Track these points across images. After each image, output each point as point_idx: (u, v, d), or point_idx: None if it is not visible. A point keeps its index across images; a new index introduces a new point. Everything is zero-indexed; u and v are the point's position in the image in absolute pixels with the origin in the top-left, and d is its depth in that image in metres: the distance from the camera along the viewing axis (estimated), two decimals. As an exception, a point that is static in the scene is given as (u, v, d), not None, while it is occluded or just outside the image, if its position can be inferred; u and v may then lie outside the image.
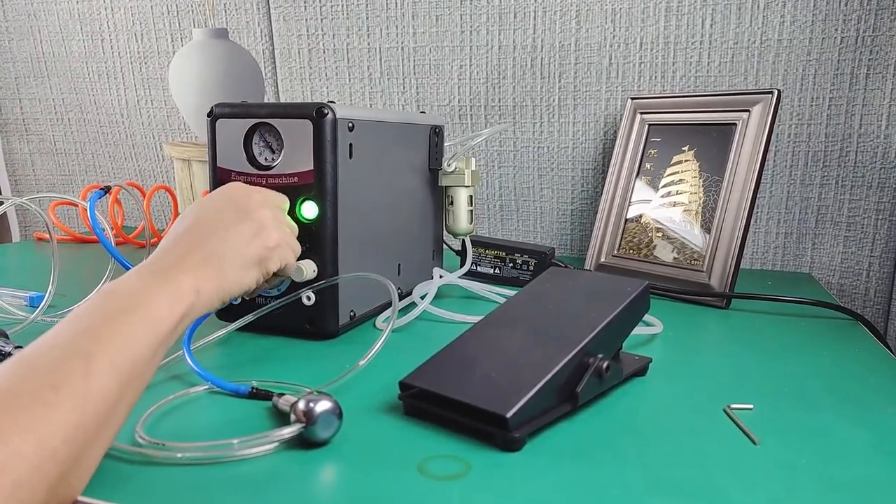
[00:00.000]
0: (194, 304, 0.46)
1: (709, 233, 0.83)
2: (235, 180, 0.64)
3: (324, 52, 1.14)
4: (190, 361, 0.54)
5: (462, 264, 0.81)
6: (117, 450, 0.42)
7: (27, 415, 0.33)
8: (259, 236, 0.54)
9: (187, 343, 0.56)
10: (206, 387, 0.53)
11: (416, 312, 0.69)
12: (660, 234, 0.87)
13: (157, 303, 0.43)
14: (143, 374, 0.40)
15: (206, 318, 0.64)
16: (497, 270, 0.88)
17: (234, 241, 0.52)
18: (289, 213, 0.62)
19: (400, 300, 0.72)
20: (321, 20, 1.13)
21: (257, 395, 0.51)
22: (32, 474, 0.32)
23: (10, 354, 0.55)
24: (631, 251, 0.90)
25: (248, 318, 0.62)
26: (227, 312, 0.67)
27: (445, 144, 0.82)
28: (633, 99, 0.96)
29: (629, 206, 0.91)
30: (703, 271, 0.82)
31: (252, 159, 0.64)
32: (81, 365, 0.37)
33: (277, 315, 0.63)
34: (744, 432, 0.47)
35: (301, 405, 0.44)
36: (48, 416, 0.34)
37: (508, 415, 0.43)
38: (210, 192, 0.66)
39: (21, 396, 0.34)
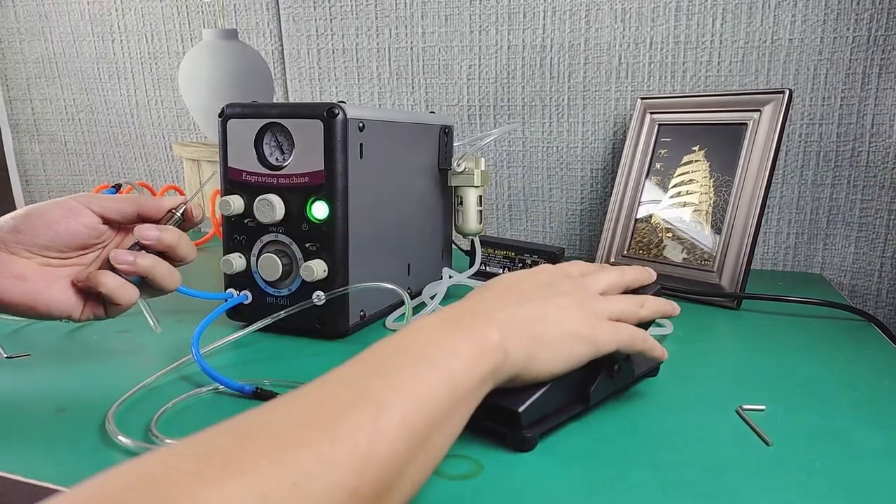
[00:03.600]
0: (500, 365, 0.40)
1: (719, 233, 0.82)
2: (246, 180, 0.64)
3: (333, 53, 1.14)
4: (198, 360, 0.54)
5: (471, 264, 0.81)
6: (135, 448, 0.43)
7: (293, 470, 0.27)
8: (591, 310, 0.46)
9: (196, 341, 0.56)
10: (214, 387, 0.53)
11: (425, 312, 0.69)
12: (670, 235, 0.87)
13: (459, 357, 0.37)
14: (435, 440, 0.34)
15: (215, 316, 0.64)
16: (506, 271, 0.88)
17: (559, 309, 0.45)
18: (299, 213, 0.63)
19: (410, 300, 0.72)
20: (330, 20, 1.13)
21: (261, 395, 0.51)
22: None
23: None
24: (640, 251, 0.89)
25: (267, 320, 0.62)
26: (238, 312, 0.67)
27: (455, 144, 0.82)
28: (642, 99, 0.95)
29: (639, 206, 0.91)
30: (713, 272, 0.81)
31: (263, 159, 0.64)
32: (371, 418, 0.31)
33: (288, 315, 0.63)
34: (756, 433, 0.47)
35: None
36: (319, 477, 0.28)
37: (521, 409, 0.43)
38: (221, 191, 0.66)
39: (291, 443, 0.28)
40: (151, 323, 0.64)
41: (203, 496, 0.25)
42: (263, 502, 0.26)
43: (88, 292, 0.51)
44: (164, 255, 0.52)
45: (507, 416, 0.44)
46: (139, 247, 0.52)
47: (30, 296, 0.49)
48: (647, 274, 0.54)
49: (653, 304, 0.51)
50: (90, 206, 0.51)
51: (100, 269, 0.51)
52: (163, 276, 0.52)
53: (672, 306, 0.53)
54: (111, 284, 0.50)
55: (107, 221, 0.52)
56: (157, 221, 0.53)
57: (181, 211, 0.54)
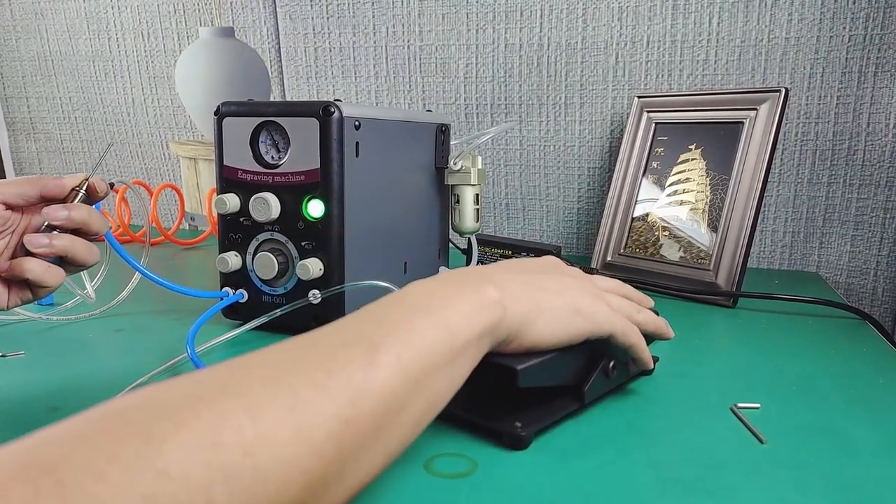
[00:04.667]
0: (498, 322, 0.39)
1: (716, 231, 0.82)
2: (242, 179, 0.64)
3: (330, 51, 1.14)
4: (192, 358, 0.54)
5: (468, 263, 0.81)
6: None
7: (288, 394, 0.28)
8: (592, 292, 0.46)
9: (191, 339, 0.56)
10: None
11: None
12: (666, 233, 0.87)
13: (456, 308, 0.37)
14: (433, 386, 0.34)
15: (211, 315, 0.64)
16: (503, 269, 0.88)
17: (560, 284, 0.45)
18: (295, 212, 0.63)
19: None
20: (327, 19, 1.13)
21: None
22: (283, 466, 0.27)
23: None
24: (637, 250, 0.89)
25: (262, 319, 0.62)
26: (234, 311, 0.67)
27: (452, 143, 0.82)
28: (639, 97, 0.95)
29: (636, 204, 0.91)
30: (709, 270, 0.82)
31: (258, 158, 0.64)
32: (365, 353, 0.32)
33: (284, 314, 0.63)
34: (751, 431, 0.47)
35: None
36: (313, 402, 0.29)
37: (519, 367, 0.42)
38: (217, 189, 0.66)
39: (286, 373, 0.29)
40: (82, 295, 0.66)
41: (203, 414, 0.26)
42: (257, 422, 0.27)
43: (11, 280, 0.50)
44: (77, 231, 0.52)
45: (506, 373, 0.43)
46: (51, 228, 0.51)
47: None
48: (644, 297, 0.54)
49: (650, 314, 0.51)
50: None
51: (15, 255, 0.51)
52: (81, 252, 0.51)
53: (667, 327, 0.52)
54: (37, 270, 0.49)
55: (10, 207, 0.51)
56: (62, 201, 0.52)
57: (84, 187, 0.53)
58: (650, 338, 0.51)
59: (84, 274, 0.72)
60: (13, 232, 0.52)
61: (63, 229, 0.51)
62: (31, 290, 0.51)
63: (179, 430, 0.25)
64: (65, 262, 0.51)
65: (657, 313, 0.53)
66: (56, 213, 0.51)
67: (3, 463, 0.23)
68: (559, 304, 0.44)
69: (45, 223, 0.51)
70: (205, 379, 0.29)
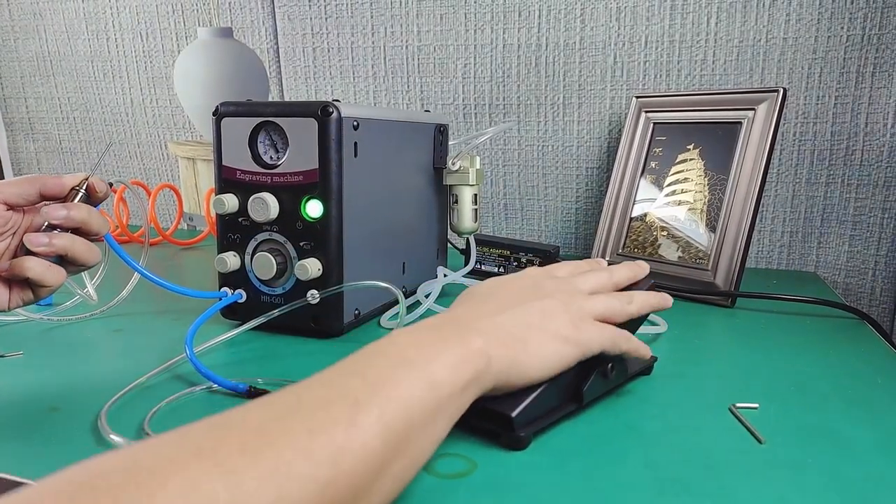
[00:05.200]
0: (482, 372, 0.40)
1: (714, 231, 0.83)
2: (240, 179, 0.64)
3: (328, 51, 1.14)
4: (191, 359, 0.54)
5: (466, 263, 0.81)
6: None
7: (268, 459, 0.28)
8: (576, 313, 0.46)
9: (189, 340, 0.56)
10: (207, 385, 0.53)
11: (420, 311, 0.69)
12: (665, 233, 0.87)
13: (439, 361, 0.37)
14: (416, 442, 0.34)
15: (209, 315, 0.64)
16: (501, 269, 0.88)
17: (542, 313, 0.45)
18: (294, 212, 0.63)
19: (405, 299, 0.72)
20: (326, 19, 1.13)
21: (254, 394, 0.51)
22: None
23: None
24: (636, 250, 0.89)
25: (260, 319, 0.62)
26: (233, 311, 0.67)
27: (450, 143, 0.82)
28: (637, 97, 0.96)
29: (634, 204, 0.91)
30: (708, 270, 0.82)
31: (257, 158, 0.64)
32: (347, 411, 0.32)
33: (282, 314, 0.63)
34: (749, 431, 0.47)
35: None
36: (294, 466, 0.28)
37: (514, 414, 0.43)
38: (215, 190, 0.66)
39: (267, 435, 0.29)
40: (83, 294, 0.66)
41: (173, 480, 0.26)
42: (233, 491, 0.26)
43: (12, 280, 0.50)
44: (77, 231, 0.52)
45: (501, 421, 0.44)
46: (51, 227, 0.51)
47: None
48: (638, 269, 0.54)
49: (642, 300, 0.51)
50: None
51: (16, 256, 0.51)
52: (82, 252, 0.51)
53: (663, 299, 0.53)
54: (38, 269, 0.49)
55: (11, 207, 0.51)
56: (62, 200, 0.52)
57: (84, 187, 0.53)
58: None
59: (85, 274, 0.72)
60: (14, 233, 0.52)
61: (63, 228, 0.51)
62: (32, 289, 0.51)
63: (150, 500, 0.25)
64: (65, 262, 0.51)
65: (654, 287, 0.53)
66: (55, 212, 0.51)
67: None
68: (545, 337, 0.44)
69: (46, 223, 0.51)
70: (184, 439, 0.29)
